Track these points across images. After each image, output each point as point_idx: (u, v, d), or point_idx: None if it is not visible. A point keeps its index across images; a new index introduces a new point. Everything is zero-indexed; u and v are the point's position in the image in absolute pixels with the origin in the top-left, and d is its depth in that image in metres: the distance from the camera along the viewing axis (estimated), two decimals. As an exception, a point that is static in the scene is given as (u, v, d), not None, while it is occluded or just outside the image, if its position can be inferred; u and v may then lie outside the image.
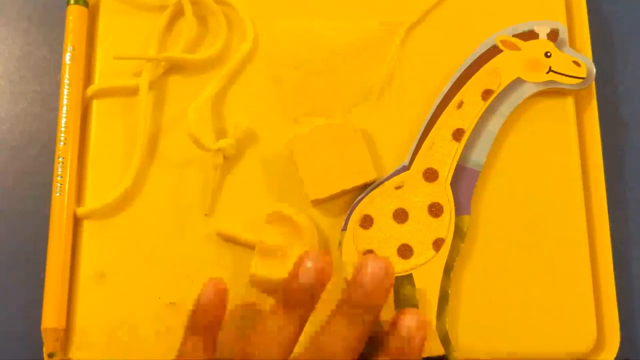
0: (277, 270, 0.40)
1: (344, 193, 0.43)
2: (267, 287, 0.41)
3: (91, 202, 0.44)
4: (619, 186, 0.47)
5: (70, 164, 0.43)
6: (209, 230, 0.43)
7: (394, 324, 0.37)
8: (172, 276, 0.42)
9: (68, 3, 0.46)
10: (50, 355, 0.41)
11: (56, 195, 0.43)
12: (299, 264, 0.36)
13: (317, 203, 0.43)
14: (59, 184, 0.43)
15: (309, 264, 0.36)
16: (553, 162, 0.44)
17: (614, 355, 0.42)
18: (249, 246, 0.42)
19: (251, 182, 0.44)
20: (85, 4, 0.46)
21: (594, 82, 0.45)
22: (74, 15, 0.46)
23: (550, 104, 0.45)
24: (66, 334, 0.42)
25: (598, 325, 0.42)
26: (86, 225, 0.43)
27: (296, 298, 0.36)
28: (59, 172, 0.43)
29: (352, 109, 0.45)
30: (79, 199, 0.44)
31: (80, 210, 0.43)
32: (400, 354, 0.36)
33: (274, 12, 0.47)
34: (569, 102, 0.45)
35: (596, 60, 0.45)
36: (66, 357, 0.42)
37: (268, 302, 0.37)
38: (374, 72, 0.46)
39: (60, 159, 0.43)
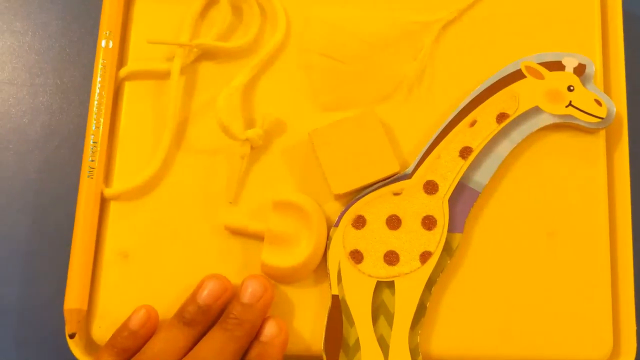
0: (288, 258, 0.41)
1: (367, 187, 0.43)
2: (278, 275, 0.42)
3: (118, 184, 0.44)
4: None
5: (100, 147, 0.44)
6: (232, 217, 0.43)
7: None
8: (193, 260, 0.43)
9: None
10: (71, 335, 0.41)
11: (87, 177, 0.43)
12: (199, 286, 0.40)
13: (340, 197, 0.43)
14: (90, 168, 0.43)
15: (208, 286, 0.40)
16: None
17: (631, 363, 0.41)
18: (258, 238, 0.42)
19: (277, 172, 0.44)
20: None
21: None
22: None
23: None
24: (88, 315, 0.42)
25: (614, 334, 0.42)
26: (112, 207, 0.44)
27: (192, 316, 0.39)
28: (91, 155, 0.44)
29: (380, 102, 0.45)
30: (106, 180, 0.44)
31: (108, 192, 0.44)
32: None
33: (308, 0, 0.47)
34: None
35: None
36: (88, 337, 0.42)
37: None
38: (405, 66, 0.45)
39: (92, 142, 0.44)
